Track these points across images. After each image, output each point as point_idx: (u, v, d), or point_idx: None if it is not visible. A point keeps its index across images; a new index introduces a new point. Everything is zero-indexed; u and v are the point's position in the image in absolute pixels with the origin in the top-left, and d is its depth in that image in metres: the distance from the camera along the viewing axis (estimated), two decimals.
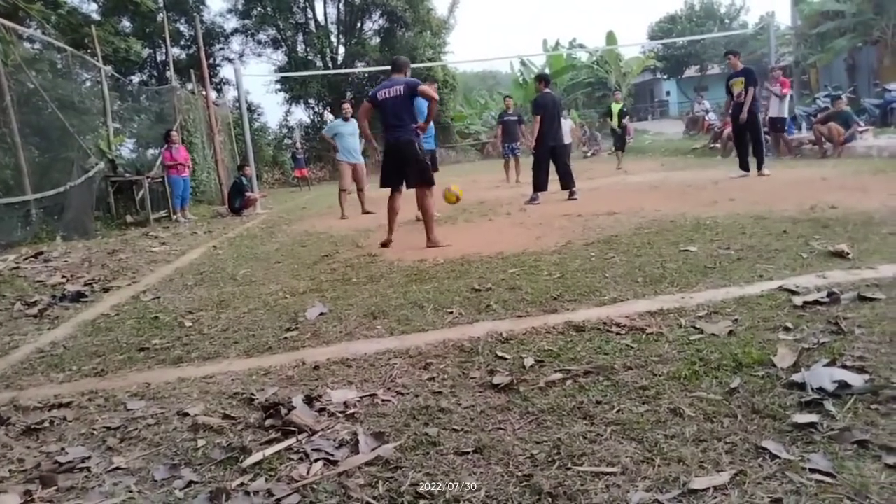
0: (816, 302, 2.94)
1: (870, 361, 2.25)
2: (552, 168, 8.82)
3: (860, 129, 12.04)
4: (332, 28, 27.55)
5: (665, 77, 42.61)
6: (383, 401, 2.36)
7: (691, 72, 40.73)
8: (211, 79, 17.88)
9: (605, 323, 3.00)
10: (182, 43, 25.75)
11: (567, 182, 8.83)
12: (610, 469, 1.75)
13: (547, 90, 8.92)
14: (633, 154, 16.51)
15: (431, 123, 6.32)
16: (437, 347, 2.90)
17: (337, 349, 3.03)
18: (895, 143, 10.81)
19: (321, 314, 3.67)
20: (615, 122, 14.51)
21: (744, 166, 9.55)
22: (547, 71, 30.05)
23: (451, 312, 3.47)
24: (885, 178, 7.20)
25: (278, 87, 27.07)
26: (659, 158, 15.71)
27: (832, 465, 1.65)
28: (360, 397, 2.39)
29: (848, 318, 2.69)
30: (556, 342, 2.83)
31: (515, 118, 13.27)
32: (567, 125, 11.46)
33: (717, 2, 44.18)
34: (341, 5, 27.07)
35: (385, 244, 5.90)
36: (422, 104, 6.16)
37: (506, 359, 2.68)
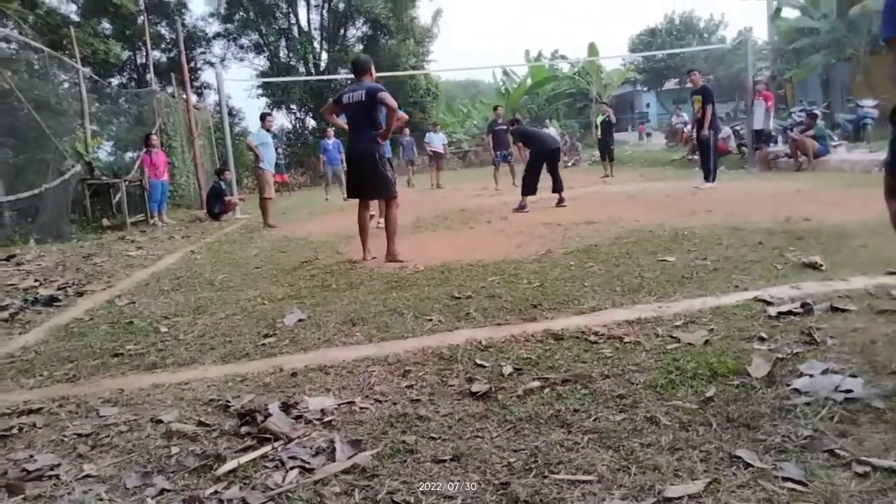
0: (790, 312, 2.99)
1: (844, 372, 2.29)
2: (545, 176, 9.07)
3: (833, 144, 12.29)
4: (316, 34, 27.54)
5: (645, 89, 43.17)
6: (361, 408, 2.34)
7: (671, 84, 41.30)
8: (192, 82, 17.75)
9: (583, 331, 3.02)
10: (163, 46, 25.54)
11: (557, 187, 8.97)
12: (586, 477, 1.75)
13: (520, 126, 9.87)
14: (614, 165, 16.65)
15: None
16: (416, 355, 2.90)
17: (315, 356, 3.01)
18: (867, 157, 11.04)
19: (299, 320, 3.65)
20: (599, 133, 14.71)
21: (714, 177, 9.90)
22: (529, 81, 30.37)
23: (431, 320, 3.47)
24: (856, 192, 7.35)
25: (260, 92, 26.96)
26: (639, 169, 15.89)
27: (804, 474, 1.67)
28: (338, 405, 2.37)
29: (821, 329, 2.73)
30: (534, 350, 2.84)
31: (505, 127, 13.37)
32: (554, 132, 11.69)
33: (697, 16, 44.92)
34: (325, 12, 27.08)
35: (365, 260, 5.60)
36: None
37: (484, 366, 2.68)
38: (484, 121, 27.69)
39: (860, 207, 6.02)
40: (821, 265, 3.85)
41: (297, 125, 27.96)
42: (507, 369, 2.61)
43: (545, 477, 1.78)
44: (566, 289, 3.91)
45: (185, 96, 14.74)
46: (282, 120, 28.77)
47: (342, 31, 27.51)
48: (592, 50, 28.73)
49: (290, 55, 27.50)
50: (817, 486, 1.62)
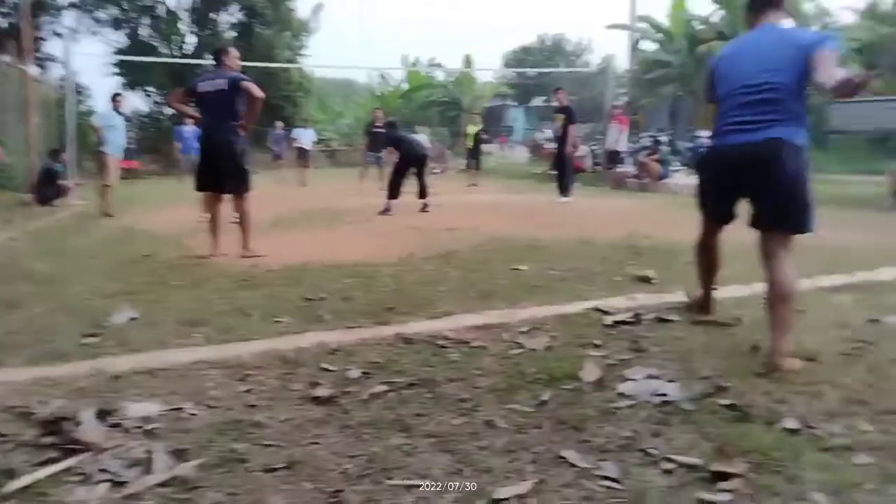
0: (624, 322, 3.20)
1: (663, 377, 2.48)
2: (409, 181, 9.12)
3: (673, 169, 13.48)
4: (184, 15, 25.78)
5: (515, 104, 44.97)
6: (190, 415, 2.19)
7: (538, 101, 43.36)
8: (35, 53, 15.95)
9: (434, 336, 3.04)
10: (3, 10, 22.70)
11: (423, 193, 9.05)
12: (421, 482, 1.75)
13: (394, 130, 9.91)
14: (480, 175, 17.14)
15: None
16: (259, 358, 2.76)
17: (144, 358, 2.77)
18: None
19: (131, 319, 3.35)
20: (470, 143, 15.06)
21: (565, 192, 10.41)
22: (404, 86, 30.57)
23: (280, 321, 3.34)
24: (690, 214, 8.06)
25: (115, 70, 24.77)
26: (502, 180, 16.47)
27: (620, 472, 1.78)
28: (164, 411, 2.20)
29: (647, 338, 2.95)
30: (384, 354, 2.81)
31: (383, 130, 13.29)
32: (423, 138, 11.81)
33: (566, 39, 47.65)
34: None
35: (213, 256, 5.25)
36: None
37: (331, 371, 2.62)
38: (356, 121, 27.48)
39: (692, 228, 6.60)
40: (653, 279, 4.18)
41: (154, 109, 26.03)
42: (354, 373, 2.57)
43: (379, 483, 1.76)
44: (422, 293, 3.94)
45: (23, 67, 13.19)
46: (137, 102, 26.71)
47: (214, 14, 26.00)
48: (468, 61, 29.50)
49: (153, 34, 25.57)
50: (630, 483, 1.74)
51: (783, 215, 2.76)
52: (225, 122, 5.25)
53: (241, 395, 2.37)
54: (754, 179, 2.78)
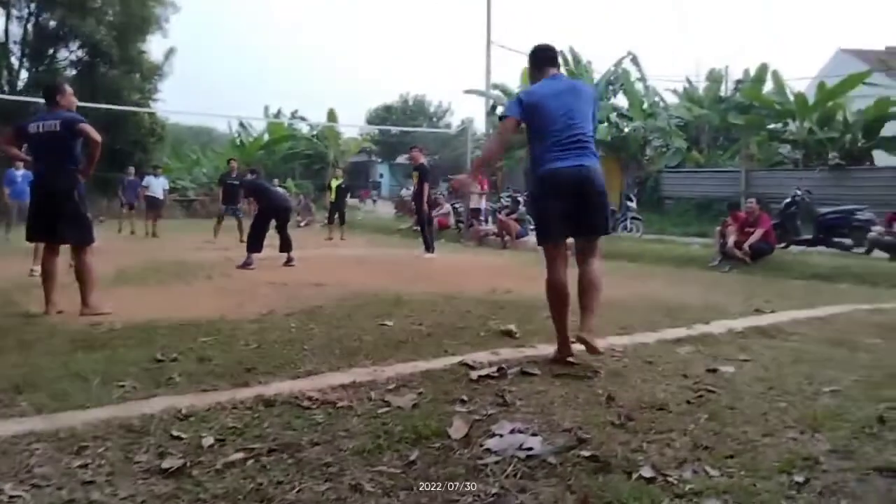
0: (489, 376, 3.26)
1: (528, 431, 2.53)
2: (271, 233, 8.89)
3: (531, 227, 14.25)
4: (15, 48, 23.66)
5: (379, 160, 45.65)
6: (11, 497, 1.91)
7: (403, 158, 44.39)
8: None
9: (297, 396, 2.91)
10: None
11: (285, 246, 8.77)
12: None
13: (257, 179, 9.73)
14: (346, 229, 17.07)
15: None
16: (97, 428, 2.48)
17: None
18: None
19: None
20: (333, 196, 14.99)
21: (430, 248, 10.61)
22: (266, 137, 29.98)
23: (123, 386, 3.04)
24: (545, 271, 8.56)
25: None
26: (368, 235, 16.50)
27: None
28: None
29: (512, 391, 3.02)
30: (242, 418, 2.64)
31: (238, 182, 12.89)
32: (284, 192, 11.69)
33: (428, 101, 49.56)
34: (30, 26, 23.51)
35: (48, 314, 4.80)
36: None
37: (181, 439, 2.41)
38: (215, 170, 26.40)
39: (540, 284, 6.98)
40: (515, 333, 4.32)
41: None
42: (208, 440, 2.38)
43: None
44: (284, 351, 3.78)
45: None
46: None
47: (52, 50, 24.12)
48: (332, 116, 29.61)
49: None
50: None
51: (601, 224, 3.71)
52: (59, 166, 4.87)
53: (76, 471, 2.11)
54: (579, 197, 3.54)
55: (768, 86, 20.09)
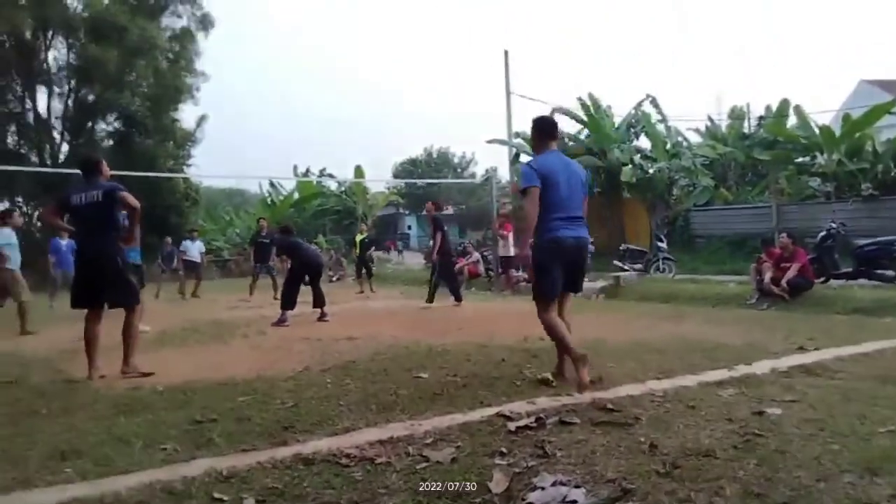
0: (527, 427, 3.21)
1: (570, 483, 2.48)
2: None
3: None
4: (56, 123, 24.84)
5: (407, 212, 46.21)
6: None
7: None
8: None
9: (335, 454, 2.90)
10: None
11: (318, 302, 8.87)
12: None
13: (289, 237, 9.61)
14: (376, 281, 17.18)
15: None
16: (140, 492, 2.51)
17: (3, 502, 2.43)
18: (587, 285, 12.85)
19: None
20: (357, 251, 15.22)
21: (430, 300, 10.57)
22: (296, 195, 30.65)
23: (165, 449, 3.07)
24: (579, 315, 8.43)
25: None
26: (399, 286, 16.57)
27: None
28: None
29: (552, 442, 2.97)
30: (281, 478, 2.64)
31: (268, 240, 13.21)
32: (317, 248, 11.88)
33: (452, 152, 50.36)
34: (70, 101, 24.72)
35: (91, 378, 4.91)
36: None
37: (223, 500, 2.42)
38: (248, 230, 26.99)
39: (580, 329, 6.89)
40: (552, 381, 4.26)
41: (23, 220, 24.37)
42: (249, 502, 2.39)
43: None
44: (321, 408, 3.78)
45: None
46: None
47: (90, 123, 25.27)
48: (359, 172, 30.26)
49: (21, 142, 24.35)
50: None
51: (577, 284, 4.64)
52: (102, 234, 5.06)
53: None
54: (580, 262, 4.48)
55: (791, 120, 19.99)
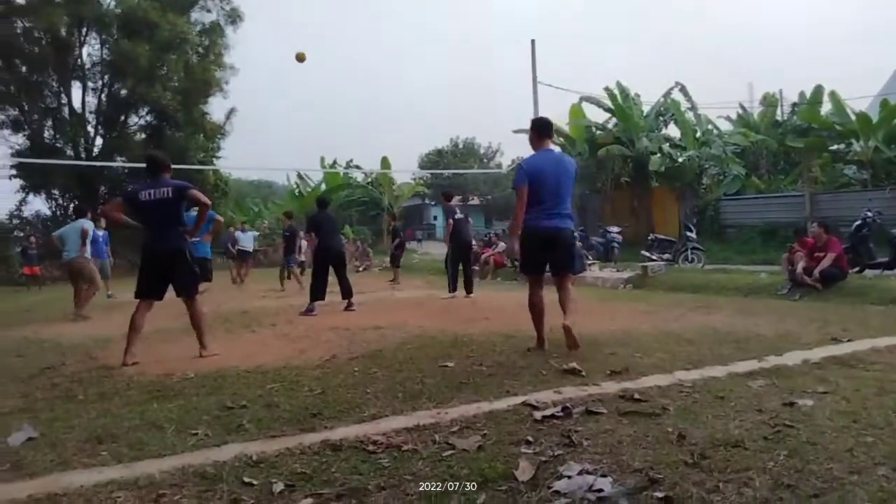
0: (553, 416, 3.20)
1: (596, 472, 2.47)
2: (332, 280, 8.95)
3: (588, 263, 14.08)
4: (91, 118, 25.37)
5: (433, 203, 46.26)
6: None
7: (455, 201, 44.86)
8: None
9: (362, 441, 2.93)
10: None
11: (346, 292, 8.91)
12: None
13: (325, 211, 9.37)
14: (402, 271, 17.25)
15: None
16: (173, 476, 2.56)
17: (44, 482, 2.52)
18: (615, 275, 12.79)
19: (29, 439, 3.06)
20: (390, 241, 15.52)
21: (452, 289, 10.50)
22: (323, 187, 30.89)
23: (196, 434, 3.13)
24: (607, 305, 8.41)
25: (14, 173, 23.77)
26: (426, 276, 16.62)
27: None
28: None
29: (578, 431, 2.96)
30: (310, 463, 2.68)
31: (289, 233, 14.02)
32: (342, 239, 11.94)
33: (478, 143, 50.13)
34: (104, 96, 25.21)
35: (126, 364, 5.05)
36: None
37: (253, 485, 2.46)
38: (276, 221, 27.33)
39: (609, 319, 6.86)
40: (580, 371, 4.24)
41: (59, 212, 24.98)
42: (278, 486, 2.42)
43: None
44: (348, 396, 3.82)
45: None
46: (40, 206, 25.59)
47: (123, 117, 25.75)
48: (385, 163, 30.37)
49: (57, 136, 24.92)
50: None
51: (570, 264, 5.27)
52: (171, 229, 5.33)
53: None
54: (554, 246, 5.06)
55: (825, 107, 19.50)
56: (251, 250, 16.63)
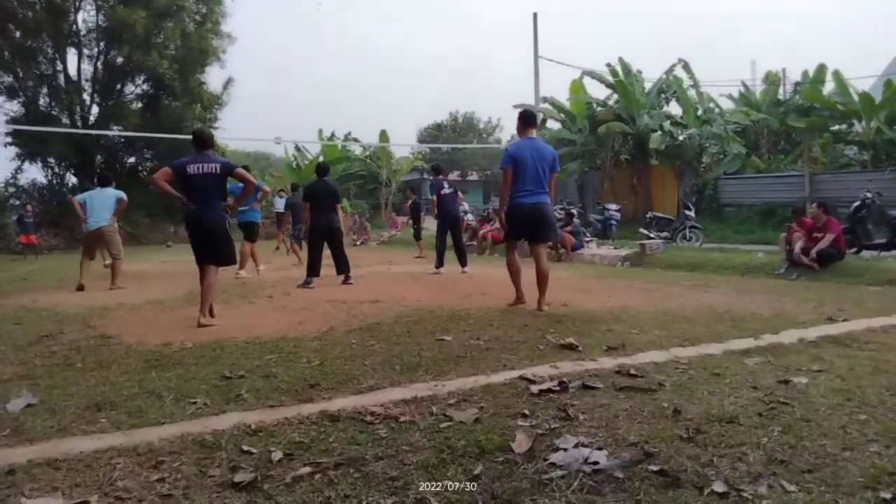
0: (550, 390, 3.23)
1: (592, 445, 2.49)
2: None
3: (586, 240, 14.08)
4: (86, 85, 25.03)
5: (431, 178, 46.10)
6: None
7: (454, 175, 44.64)
8: None
9: (360, 412, 2.96)
10: None
11: (342, 268, 8.87)
12: None
13: (324, 178, 9.14)
14: (400, 246, 17.28)
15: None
16: (172, 443, 2.59)
17: (44, 448, 2.54)
18: (613, 252, 12.80)
19: (28, 405, 3.08)
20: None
21: (439, 264, 10.46)
22: (321, 159, 30.69)
23: (195, 403, 3.15)
24: (604, 283, 8.43)
25: (8, 140, 23.55)
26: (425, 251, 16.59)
27: None
28: None
29: (574, 405, 2.98)
30: (308, 433, 2.70)
31: (282, 210, 14.85)
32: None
33: (477, 117, 49.72)
34: (99, 63, 24.88)
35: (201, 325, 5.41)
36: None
37: (252, 453, 2.48)
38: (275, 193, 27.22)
39: (607, 296, 6.88)
40: (577, 346, 4.26)
41: (55, 181, 24.82)
42: (277, 455, 2.44)
43: None
44: (346, 367, 3.84)
45: None
46: (35, 174, 25.40)
47: (119, 85, 25.43)
48: (384, 136, 30.14)
49: (53, 104, 24.64)
50: None
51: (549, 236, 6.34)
52: (216, 202, 5.65)
53: (154, 485, 2.20)
54: (534, 221, 5.94)
55: (828, 87, 19.36)
56: (284, 212, 16.87)
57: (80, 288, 8.34)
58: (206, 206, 5.58)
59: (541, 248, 6.09)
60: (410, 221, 16.19)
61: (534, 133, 6.14)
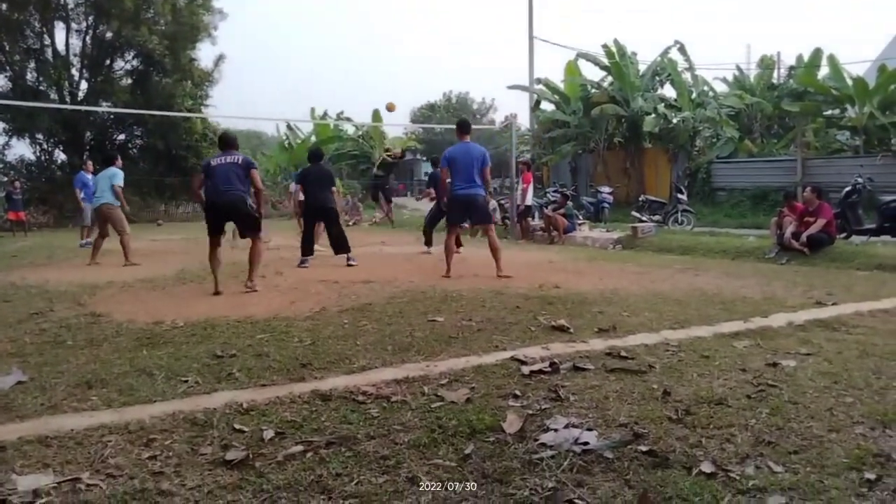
0: (541, 371, 3.25)
1: (582, 425, 2.51)
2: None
3: (578, 222, 14.09)
4: (75, 60, 24.61)
5: (425, 158, 45.83)
6: (88, 486, 2.01)
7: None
8: None
9: (351, 391, 2.97)
10: None
11: (340, 247, 8.83)
12: None
13: (317, 164, 9.19)
14: (393, 227, 17.22)
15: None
16: (164, 421, 2.59)
17: (34, 425, 2.53)
18: (605, 235, 12.82)
19: (18, 383, 3.07)
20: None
21: (428, 243, 10.42)
22: (313, 139, 30.44)
23: (186, 381, 3.15)
24: (596, 265, 8.45)
25: None
26: (415, 233, 16.57)
27: None
28: (58, 483, 2.00)
29: (565, 386, 3.00)
30: (300, 412, 2.71)
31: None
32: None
33: (471, 98, 49.46)
34: (88, 38, 24.46)
35: (218, 293, 6.06)
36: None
37: (243, 431, 2.49)
38: (266, 173, 27.03)
39: (598, 278, 6.91)
40: (568, 328, 4.28)
41: (43, 157, 24.50)
42: (269, 434, 2.45)
43: None
44: (338, 347, 3.85)
45: None
46: (23, 150, 25.08)
47: (108, 61, 25.03)
48: (376, 116, 29.89)
49: (41, 79, 24.24)
50: None
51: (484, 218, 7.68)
52: (240, 183, 6.23)
53: (145, 462, 2.21)
54: (468, 206, 7.30)
55: (823, 71, 19.31)
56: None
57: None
58: (228, 186, 6.14)
59: (486, 229, 7.61)
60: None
61: (467, 138, 7.40)
